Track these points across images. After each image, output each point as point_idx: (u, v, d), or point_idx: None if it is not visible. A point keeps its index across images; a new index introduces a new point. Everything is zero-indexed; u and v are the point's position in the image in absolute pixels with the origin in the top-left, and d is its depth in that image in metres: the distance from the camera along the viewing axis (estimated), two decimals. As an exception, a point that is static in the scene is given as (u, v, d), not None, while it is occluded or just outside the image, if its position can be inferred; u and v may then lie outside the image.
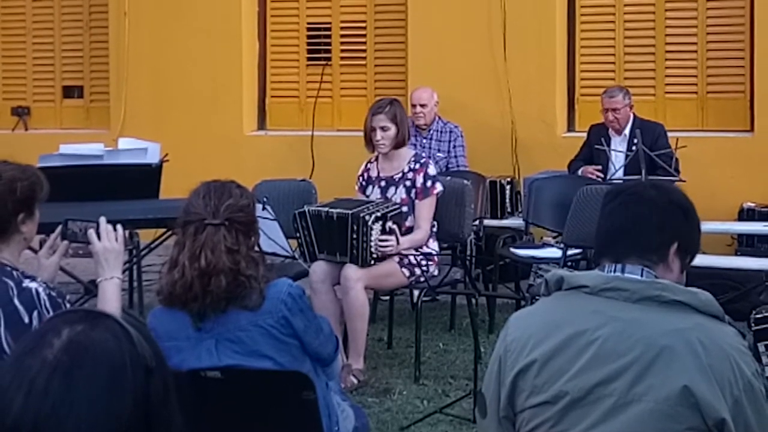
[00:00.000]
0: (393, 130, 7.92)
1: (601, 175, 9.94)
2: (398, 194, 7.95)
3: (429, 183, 7.92)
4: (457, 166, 10.32)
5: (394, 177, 8.02)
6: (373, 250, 7.59)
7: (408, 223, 7.86)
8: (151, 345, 2.12)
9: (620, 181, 9.26)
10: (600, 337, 3.10)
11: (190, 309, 4.41)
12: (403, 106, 10.63)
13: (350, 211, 7.57)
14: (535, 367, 3.16)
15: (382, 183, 8.06)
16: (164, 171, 9.30)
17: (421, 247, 7.90)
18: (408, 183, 7.95)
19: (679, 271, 3.31)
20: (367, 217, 7.53)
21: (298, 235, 7.81)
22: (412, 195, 7.91)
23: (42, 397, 1.98)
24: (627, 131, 9.82)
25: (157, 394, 2.08)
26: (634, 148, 9.52)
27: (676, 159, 9.54)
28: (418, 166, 7.98)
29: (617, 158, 9.74)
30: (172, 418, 2.12)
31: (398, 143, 7.96)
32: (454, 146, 10.39)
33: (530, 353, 3.18)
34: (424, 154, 8.42)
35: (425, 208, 7.90)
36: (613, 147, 9.79)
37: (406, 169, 7.99)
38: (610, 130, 9.87)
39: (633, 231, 3.27)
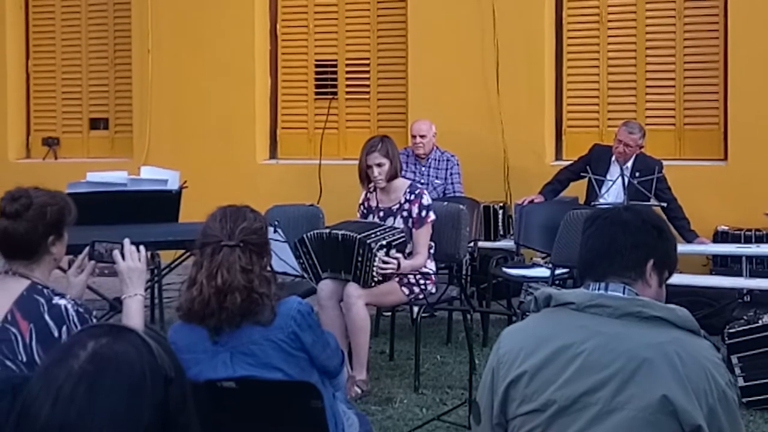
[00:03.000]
0: (387, 165, 7.93)
1: (541, 199, 10.06)
2: (396, 224, 7.94)
3: (424, 212, 7.92)
4: (454, 192, 10.32)
5: (392, 208, 8.02)
6: (374, 274, 7.59)
7: (407, 250, 7.85)
8: (170, 357, 2.12)
9: (605, 206, 9.30)
10: (585, 350, 3.11)
11: (208, 324, 4.41)
12: (405, 136, 10.72)
13: (358, 236, 7.56)
14: (526, 378, 3.16)
15: (381, 213, 8.06)
16: (183, 196, 9.30)
17: (419, 269, 7.90)
18: (405, 213, 7.95)
19: (657, 285, 3.32)
20: (372, 245, 7.53)
21: (301, 261, 7.80)
22: (409, 224, 7.91)
23: (68, 404, 1.98)
24: (630, 163, 9.80)
25: (176, 403, 2.08)
26: (636, 176, 9.60)
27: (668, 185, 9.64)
28: (413, 197, 7.98)
29: (606, 184, 9.75)
30: (189, 425, 2.12)
31: (392, 176, 7.98)
32: (451, 174, 10.39)
33: (521, 365, 3.19)
34: (419, 185, 8.42)
35: (422, 236, 7.90)
36: (610, 174, 9.79)
37: (402, 200, 7.99)
38: (614, 156, 9.85)
39: (610, 252, 3.29)
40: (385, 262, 7.59)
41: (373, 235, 7.59)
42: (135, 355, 2.05)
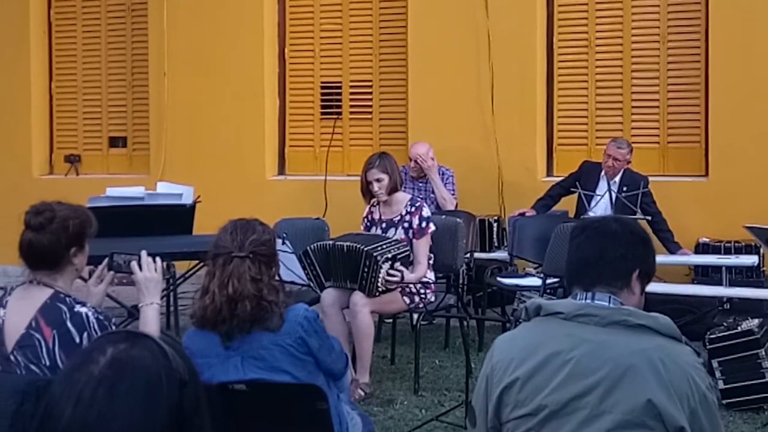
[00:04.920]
0: (386, 179, 7.96)
1: (533, 213, 10.09)
2: (398, 234, 7.95)
3: (424, 224, 7.94)
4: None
5: (394, 219, 8.04)
6: (379, 284, 7.60)
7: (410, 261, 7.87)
8: (185, 361, 2.12)
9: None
10: (574, 357, 3.11)
11: (220, 330, 4.43)
12: (405, 154, 10.72)
13: (364, 248, 7.56)
14: (518, 384, 3.16)
15: (383, 225, 8.07)
16: (197, 210, 9.30)
17: (421, 279, 7.91)
18: (406, 225, 7.97)
19: (640, 293, 3.33)
20: (379, 257, 7.53)
21: (306, 272, 7.80)
22: (410, 234, 7.92)
23: (88, 407, 1.99)
24: (617, 178, 9.84)
25: (190, 405, 2.08)
26: (623, 191, 9.64)
27: (653, 199, 9.69)
28: (413, 209, 8.00)
29: (594, 199, 9.76)
30: (203, 426, 2.12)
31: (392, 189, 8.00)
32: (445, 185, 10.36)
33: (513, 372, 3.18)
34: (420, 197, 8.43)
35: (422, 246, 7.91)
36: (599, 189, 9.82)
37: (403, 212, 8.01)
38: (603, 171, 9.89)
39: (599, 262, 3.28)
40: (390, 275, 7.61)
41: (379, 248, 7.59)
42: (151, 360, 2.06)
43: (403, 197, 8.11)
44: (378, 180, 7.95)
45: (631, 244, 3.31)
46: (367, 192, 8.06)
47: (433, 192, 10.32)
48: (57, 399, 2.02)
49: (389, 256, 7.60)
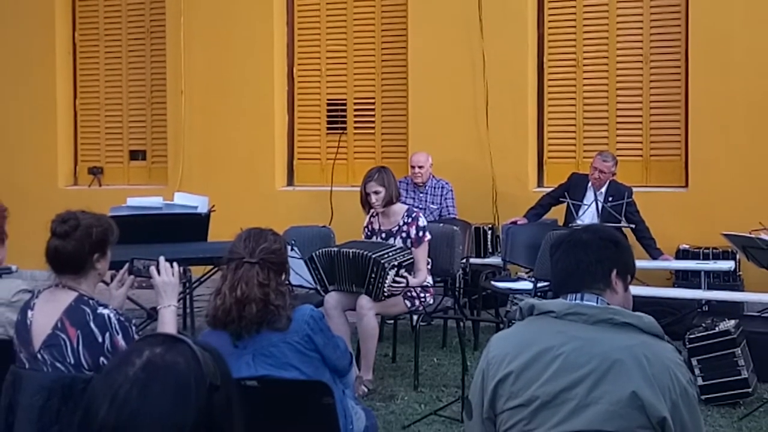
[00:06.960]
0: (383, 192, 7.94)
1: (525, 221, 10.08)
2: (396, 243, 7.95)
3: (421, 233, 7.93)
4: (449, 214, 10.34)
5: (392, 230, 8.03)
6: (385, 290, 7.60)
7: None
8: (220, 367, 2.13)
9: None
10: (564, 352, 3.12)
11: (229, 329, 4.45)
12: (405, 166, 10.73)
13: (372, 255, 7.57)
14: (512, 377, 3.18)
15: (383, 235, 8.07)
16: (212, 219, 9.31)
17: (422, 284, 7.92)
18: (404, 234, 7.96)
19: (623, 291, 3.34)
20: (386, 265, 7.54)
21: (311, 275, 7.81)
22: (408, 244, 7.91)
23: (122, 406, 1.99)
24: (603, 189, 9.85)
25: (220, 407, 2.08)
26: (609, 201, 9.66)
27: (636, 209, 9.69)
28: (410, 219, 7.99)
29: (582, 208, 9.77)
30: (233, 427, 2.13)
31: (389, 201, 7.98)
32: (445, 198, 10.40)
33: (507, 366, 3.20)
34: (416, 209, 8.42)
35: (421, 254, 7.91)
36: (586, 199, 9.83)
37: (401, 223, 8.00)
38: (590, 183, 9.90)
39: (579, 271, 3.30)
40: (395, 281, 7.62)
41: (385, 256, 7.60)
42: (183, 365, 2.06)
43: (400, 208, 8.10)
44: (376, 192, 7.94)
45: (603, 248, 3.33)
46: (366, 203, 8.06)
47: (433, 202, 10.34)
48: (95, 397, 2.03)
49: (395, 263, 7.61)
